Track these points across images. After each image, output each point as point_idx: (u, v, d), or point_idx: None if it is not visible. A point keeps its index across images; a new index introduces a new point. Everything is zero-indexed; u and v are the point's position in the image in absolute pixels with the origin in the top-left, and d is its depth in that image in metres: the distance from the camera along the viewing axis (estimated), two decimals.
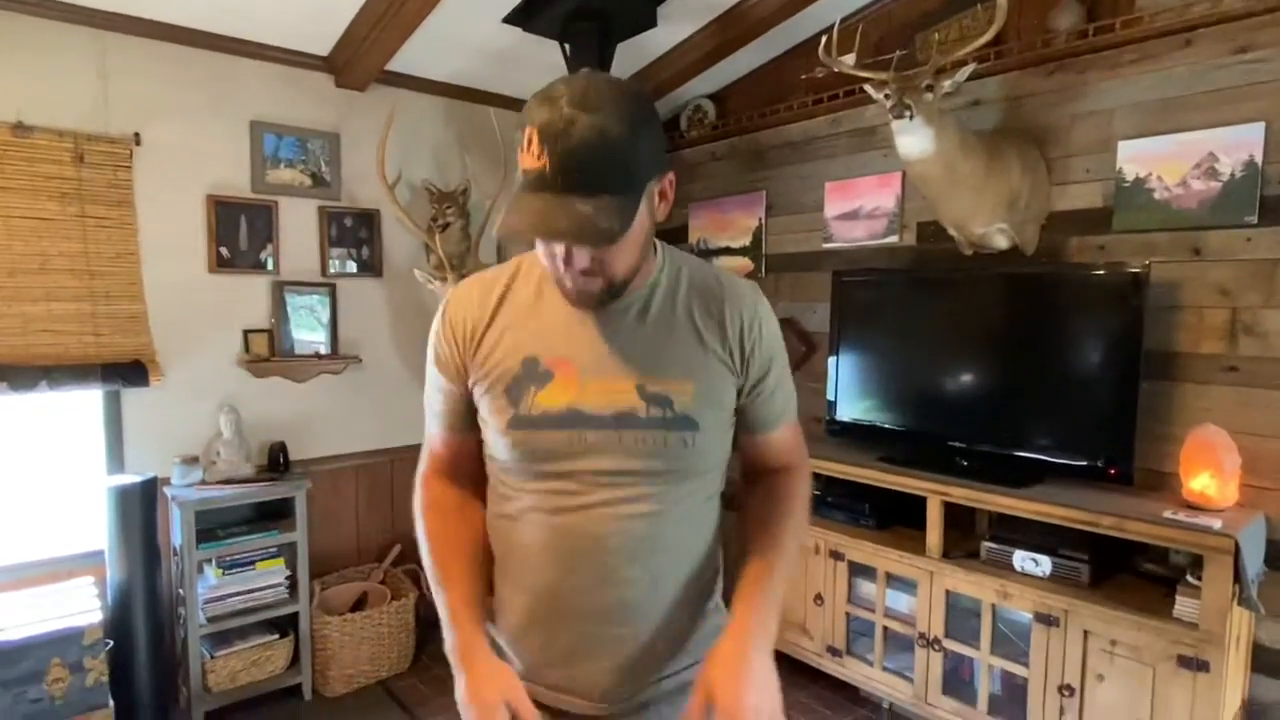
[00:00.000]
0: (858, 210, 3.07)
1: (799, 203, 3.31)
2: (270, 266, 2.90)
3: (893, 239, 2.95)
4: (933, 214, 2.63)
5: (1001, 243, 2.53)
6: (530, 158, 0.84)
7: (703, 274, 1.05)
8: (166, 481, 2.66)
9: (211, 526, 2.68)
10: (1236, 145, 2.12)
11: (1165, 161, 2.25)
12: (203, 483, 2.69)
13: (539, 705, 0.98)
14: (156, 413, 2.69)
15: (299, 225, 2.98)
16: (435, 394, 1.10)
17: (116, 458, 2.65)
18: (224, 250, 2.81)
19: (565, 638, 1.01)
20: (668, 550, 1.00)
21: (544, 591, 1.01)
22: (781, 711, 0.93)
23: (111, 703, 2.23)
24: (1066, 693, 2.11)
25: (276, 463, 2.86)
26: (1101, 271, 2.31)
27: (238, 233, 2.84)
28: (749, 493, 1.12)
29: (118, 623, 2.42)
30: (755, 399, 1.05)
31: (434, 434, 1.14)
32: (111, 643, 2.29)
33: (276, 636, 2.76)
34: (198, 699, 2.58)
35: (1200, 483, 2.02)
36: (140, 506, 2.45)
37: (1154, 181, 2.28)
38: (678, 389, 0.97)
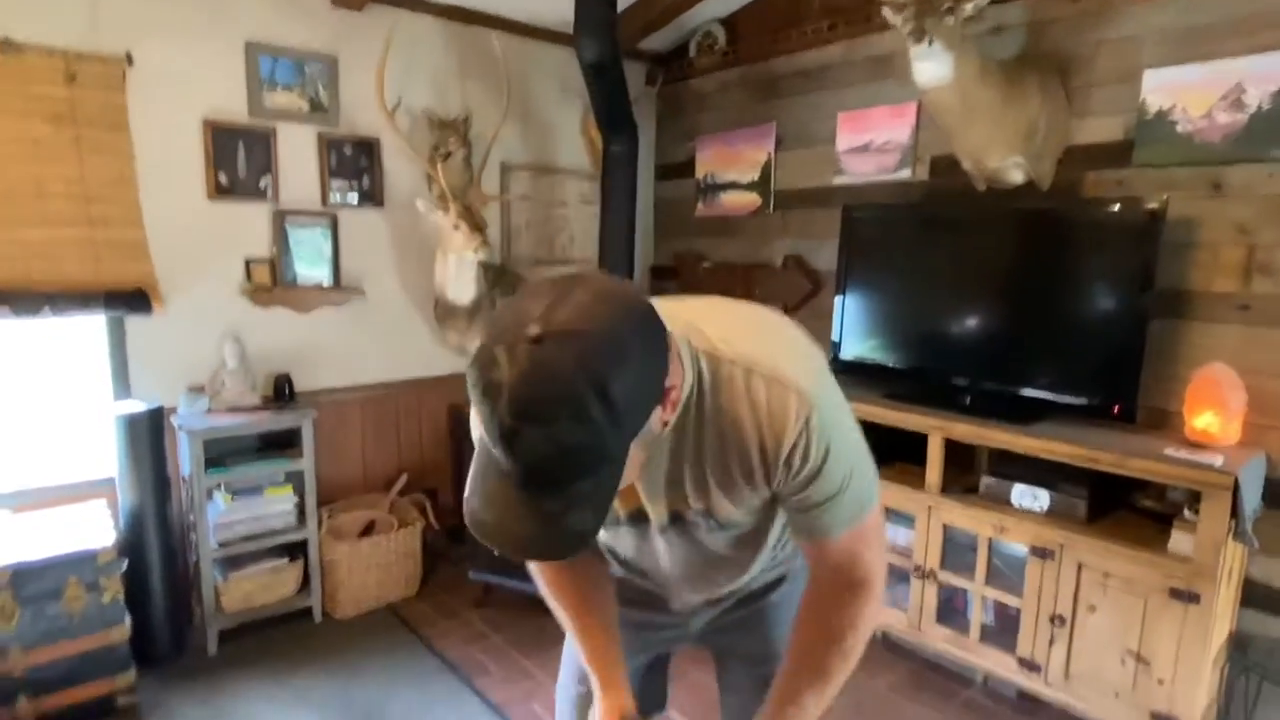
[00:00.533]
0: (869, 144, 2.99)
1: (809, 135, 3.22)
2: (270, 195, 2.86)
3: (905, 174, 2.88)
4: (947, 147, 2.56)
5: (1017, 177, 2.48)
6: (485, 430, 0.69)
7: (734, 412, 0.84)
8: (173, 410, 2.69)
9: (219, 454, 2.70)
10: (1266, 76, 2.04)
11: (1191, 92, 2.18)
12: (209, 411, 2.71)
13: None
14: (161, 341, 2.70)
15: (298, 153, 2.92)
16: None
17: (123, 384, 2.66)
18: (222, 177, 2.76)
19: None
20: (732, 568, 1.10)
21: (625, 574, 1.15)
22: None
23: (128, 619, 2.30)
24: (1058, 622, 2.16)
25: (282, 393, 2.88)
26: (1118, 207, 2.26)
27: (236, 159, 2.78)
28: (810, 589, 0.99)
29: (131, 545, 2.47)
30: (794, 508, 0.92)
31: None
32: (126, 563, 2.34)
33: (286, 561, 2.82)
34: (211, 619, 2.66)
35: (1204, 421, 2.02)
36: (148, 434, 2.47)
37: (1177, 114, 2.20)
38: (716, 505, 0.93)
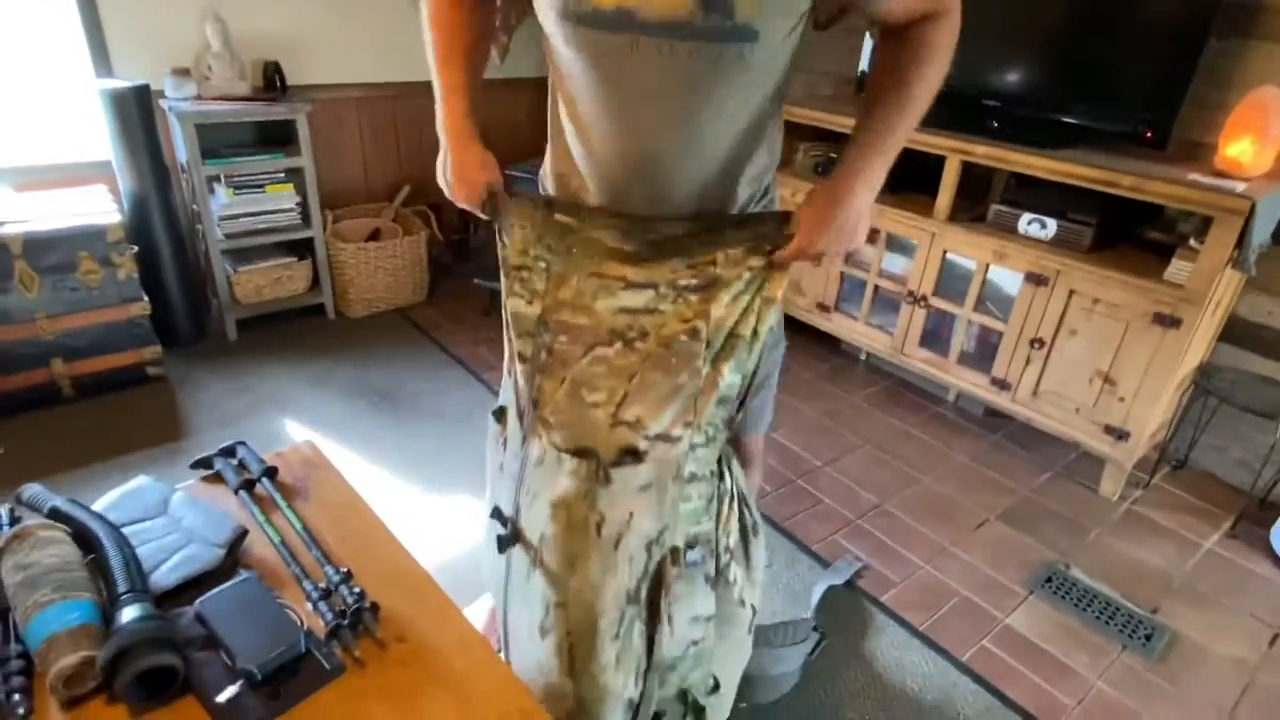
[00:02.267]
0: None
1: None
2: None
3: None
4: None
5: None
6: None
7: None
8: (161, 94, 2.57)
9: (215, 145, 2.64)
10: None
11: None
12: (198, 98, 2.59)
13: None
14: (136, 15, 2.50)
15: None
16: None
17: (103, 62, 2.52)
18: None
19: (606, 176, 1.01)
20: (711, 134, 0.95)
21: (590, 134, 0.99)
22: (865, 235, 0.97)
23: (146, 298, 2.40)
24: (1036, 345, 2.25)
25: (273, 83, 2.74)
26: None
27: None
28: (881, 47, 0.95)
29: (137, 229, 2.50)
30: None
31: None
32: (136, 247, 2.39)
33: (295, 259, 2.88)
34: (228, 308, 2.78)
35: (1237, 148, 1.93)
36: (137, 113, 2.39)
37: None
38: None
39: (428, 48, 1.07)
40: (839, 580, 1.78)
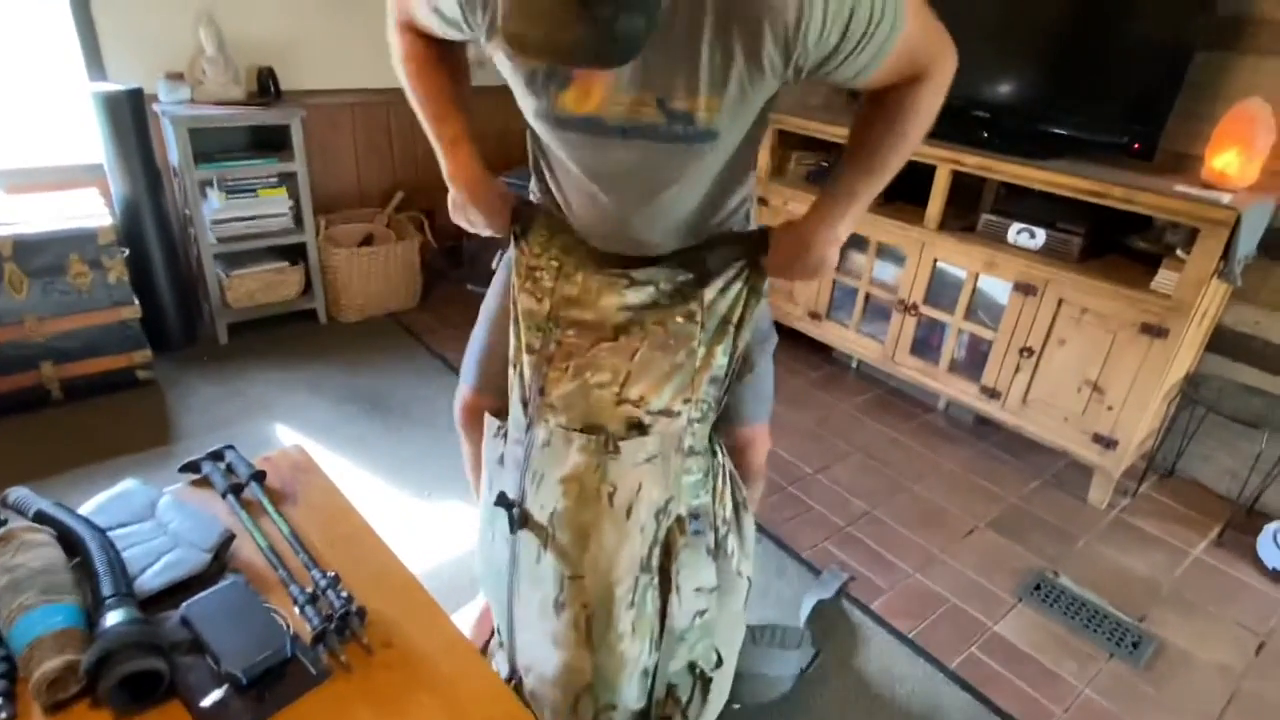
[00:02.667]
0: None
1: None
2: None
3: None
4: None
5: None
6: None
7: None
8: (154, 98, 2.57)
9: (208, 149, 2.64)
10: None
11: None
12: (192, 101, 2.59)
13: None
14: (131, 18, 2.50)
15: None
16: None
17: (97, 66, 2.51)
18: None
19: (586, 228, 1.09)
20: (685, 198, 1.02)
21: (569, 196, 1.08)
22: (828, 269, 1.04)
23: (137, 301, 2.39)
24: (1026, 354, 2.26)
25: (266, 88, 2.74)
26: None
27: None
28: (865, 102, 0.96)
29: (129, 232, 2.49)
30: (827, 75, 0.85)
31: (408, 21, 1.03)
32: (127, 250, 2.38)
33: (287, 264, 2.88)
34: (220, 312, 2.78)
35: (1223, 160, 1.95)
36: (130, 117, 2.38)
37: None
38: (703, 105, 0.85)
39: (414, 103, 1.09)
40: (827, 594, 1.78)
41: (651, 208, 1.00)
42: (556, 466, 1.04)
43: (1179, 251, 2.00)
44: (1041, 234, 2.22)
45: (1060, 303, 2.16)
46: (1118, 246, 2.26)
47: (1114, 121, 2.15)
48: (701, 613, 1.11)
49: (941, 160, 2.33)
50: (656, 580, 1.06)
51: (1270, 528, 2.08)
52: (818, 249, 1.01)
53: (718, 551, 1.12)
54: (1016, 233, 2.27)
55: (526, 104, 0.94)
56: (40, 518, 0.95)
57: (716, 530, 1.12)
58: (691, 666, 1.16)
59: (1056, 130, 2.26)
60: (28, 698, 0.77)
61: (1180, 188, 1.94)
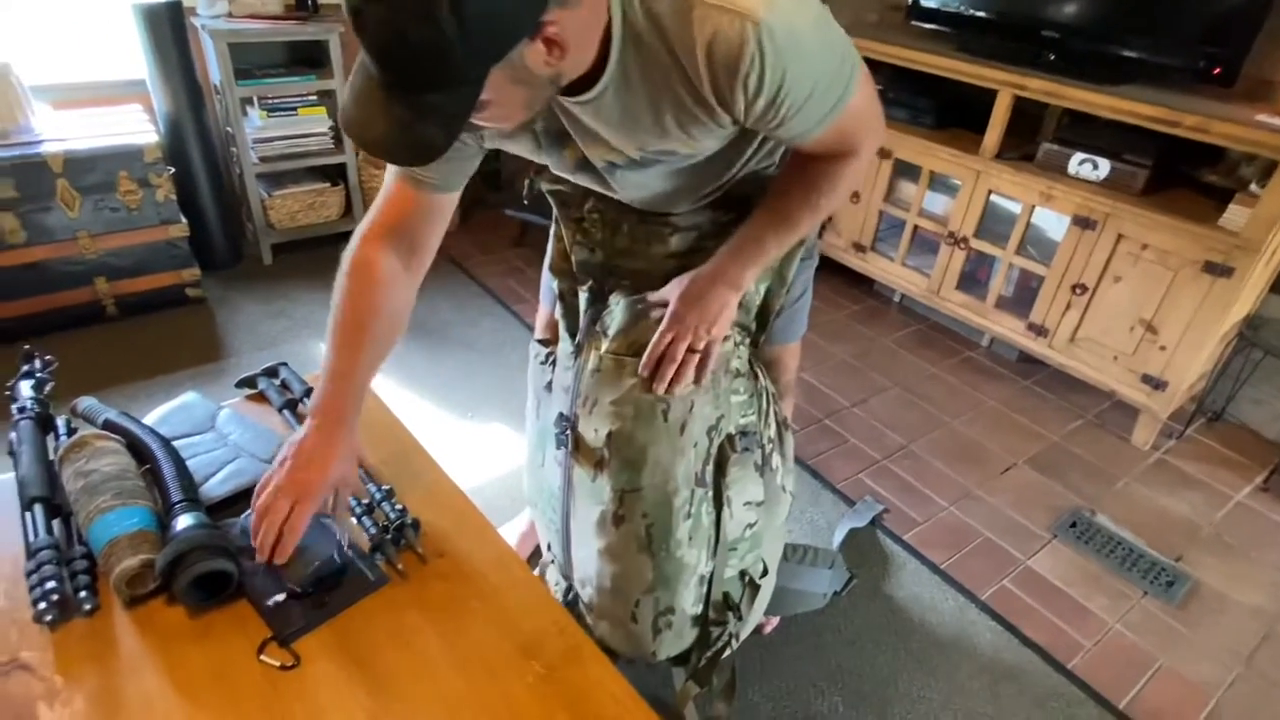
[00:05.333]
0: None
1: None
2: None
3: None
4: None
5: None
6: None
7: (656, 49, 0.76)
8: (193, 12, 2.54)
9: (247, 66, 2.62)
10: None
11: None
12: (229, 15, 2.55)
13: None
14: None
15: None
16: None
17: None
18: None
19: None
20: (709, 185, 1.05)
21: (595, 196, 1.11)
22: (718, 327, 1.02)
23: (184, 220, 2.42)
24: (1079, 291, 2.20)
25: (304, 2, 2.68)
26: None
27: None
28: (794, 156, 0.99)
29: (173, 151, 2.51)
30: (769, 130, 0.85)
31: (391, 186, 1.00)
32: (173, 169, 2.40)
33: (328, 185, 2.88)
34: (263, 233, 2.80)
35: None
36: (170, 30, 2.36)
37: None
38: (695, 143, 0.88)
39: (330, 318, 1.00)
40: (860, 523, 1.80)
41: (673, 195, 1.04)
42: (610, 390, 1.05)
43: (1253, 186, 1.89)
44: (1105, 165, 2.11)
45: (1120, 238, 2.08)
46: (1186, 179, 2.15)
47: (1192, 43, 2.01)
48: (751, 525, 1.16)
49: (1003, 84, 2.22)
50: (710, 494, 1.10)
51: None
52: (717, 295, 1.01)
53: (764, 468, 1.16)
54: (1079, 163, 2.16)
55: (544, 162, 1.01)
56: (109, 426, 0.99)
57: (763, 448, 1.15)
58: (742, 574, 1.21)
59: (1128, 53, 2.12)
60: (108, 591, 0.82)
61: (1262, 117, 1.82)
